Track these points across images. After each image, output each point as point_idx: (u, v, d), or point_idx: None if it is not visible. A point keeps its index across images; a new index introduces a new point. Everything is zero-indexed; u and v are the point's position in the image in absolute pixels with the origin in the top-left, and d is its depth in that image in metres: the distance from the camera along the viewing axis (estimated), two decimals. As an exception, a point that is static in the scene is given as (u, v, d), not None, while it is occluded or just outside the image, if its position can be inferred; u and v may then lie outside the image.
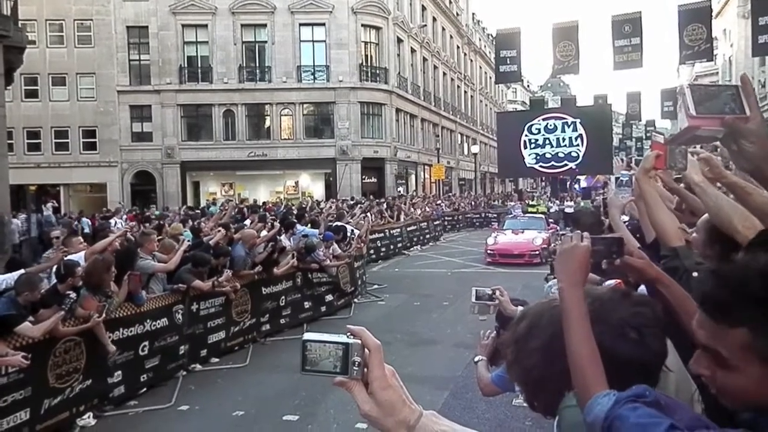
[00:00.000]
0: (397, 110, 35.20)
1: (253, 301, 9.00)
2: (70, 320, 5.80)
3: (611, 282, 1.84)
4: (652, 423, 1.09)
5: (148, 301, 7.03)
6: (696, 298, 1.11)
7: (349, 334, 0.99)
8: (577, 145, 33.32)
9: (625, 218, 3.02)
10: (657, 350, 1.44)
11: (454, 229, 29.02)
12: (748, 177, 2.01)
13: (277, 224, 10.34)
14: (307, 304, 10.45)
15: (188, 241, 8.30)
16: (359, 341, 0.98)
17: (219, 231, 8.81)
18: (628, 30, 24.23)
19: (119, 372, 6.49)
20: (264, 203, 24.24)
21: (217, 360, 8.11)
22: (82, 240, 7.67)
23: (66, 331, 5.72)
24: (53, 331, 5.54)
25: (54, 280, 6.05)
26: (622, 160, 3.97)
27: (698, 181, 2.01)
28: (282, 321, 9.70)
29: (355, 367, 0.97)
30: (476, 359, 2.67)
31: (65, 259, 6.28)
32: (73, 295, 5.76)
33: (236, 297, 8.53)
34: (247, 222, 11.38)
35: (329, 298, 11.13)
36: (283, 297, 9.80)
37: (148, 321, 6.97)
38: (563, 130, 33.65)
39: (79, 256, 6.59)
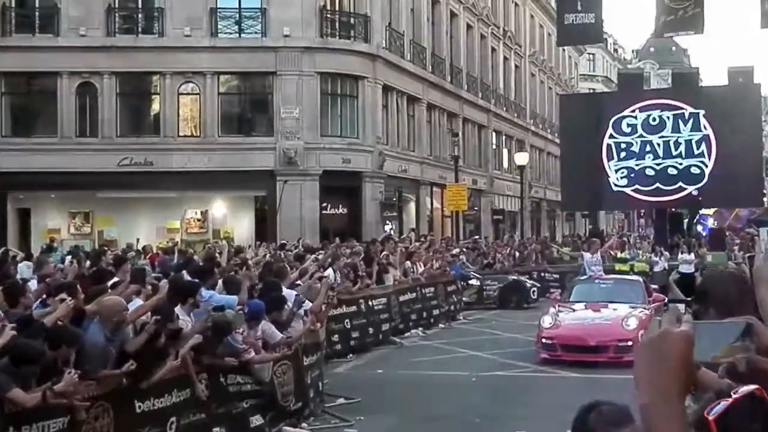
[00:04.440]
0: (386, 89, 35.51)
1: (119, 424, 8.87)
2: None
3: (747, 388, 1.91)
4: None
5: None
6: None
7: None
8: (701, 154, 34.08)
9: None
10: None
11: (484, 300, 28.97)
12: None
13: (164, 285, 10.27)
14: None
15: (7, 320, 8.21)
16: None
17: (60, 300, 8.74)
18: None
19: None
20: (144, 249, 24.14)
21: None
22: None
23: None
24: None
25: None
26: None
27: None
28: (171, 462, 9.55)
29: None
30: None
31: None
32: None
33: (89, 416, 8.40)
34: (114, 282, 11.27)
35: (257, 420, 11.01)
36: (174, 418, 9.66)
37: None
38: (676, 129, 34.43)
39: None
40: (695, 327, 1.60)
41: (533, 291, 28.41)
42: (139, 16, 32.90)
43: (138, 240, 27.83)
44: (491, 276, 30.05)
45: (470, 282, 28.53)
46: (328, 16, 33.49)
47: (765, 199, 39.01)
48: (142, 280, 10.78)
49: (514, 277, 29.46)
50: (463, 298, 27.83)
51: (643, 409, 1.53)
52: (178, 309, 10.36)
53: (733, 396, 1.97)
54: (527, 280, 29.61)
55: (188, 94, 32.80)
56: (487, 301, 28.39)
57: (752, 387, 1.89)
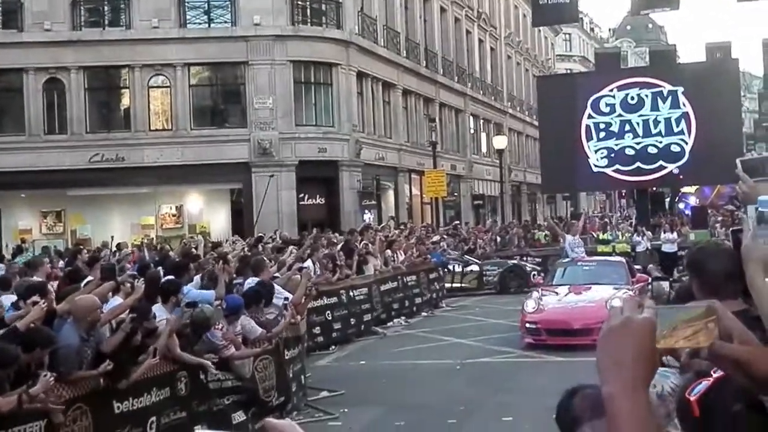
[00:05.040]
0: (360, 75, 35.50)
1: (98, 426, 8.83)
2: None
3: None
4: None
5: None
6: None
7: None
8: (681, 131, 34.29)
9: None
10: None
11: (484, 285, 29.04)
12: None
13: (140, 284, 10.22)
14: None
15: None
16: None
17: (32, 303, 8.67)
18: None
19: None
20: (118, 246, 24.03)
21: None
22: None
23: None
24: None
25: None
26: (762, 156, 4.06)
27: None
28: (152, 462, 9.53)
29: None
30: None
31: None
32: None
33: (66, 419, 8.36)
34: (87, 280, 11.21)
35: (239, 417, 11.00)
36: (154, 418, 9.63)
37: None
38: (655, 107, 34.66)
39: None
40: (658, 313, 1.61)
41: (533, 275, 28.48)
42: (105, 8, 32.63)
43: (113, 237, 27.75)
44: (491, 261, 30.31)
45: (470, 268, 29.00)
46: (299, 3, 33.36)
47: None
48: (113, 277, 10.70)
49: (514, 262, 29.65)
50: (463, 284, 28.45)
51: (607, 398, 1.53)
52: (159, 308, 10.32)
53: (714, 375, 1.97)
54: (527, 264, 29.74)
55: (158, 87, 32.68)
56: (487, 286, 28.52)
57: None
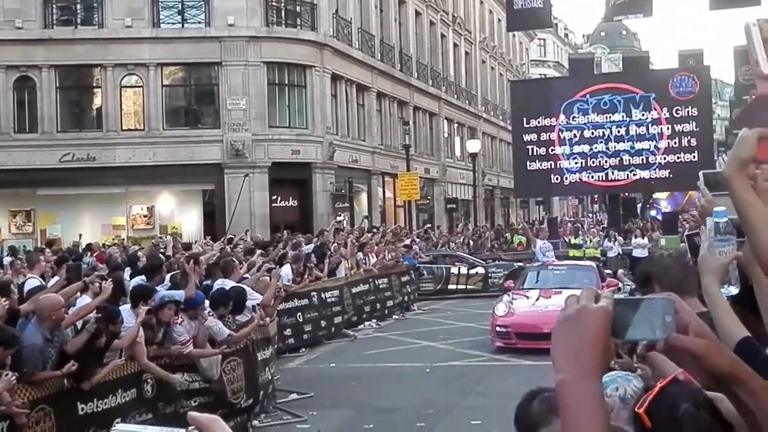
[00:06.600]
0: (335, 78, 35.52)
1: (61, 428, 8.76)
2: None
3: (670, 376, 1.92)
4: None
5: None
6: None
7: (191, 429, 1.29)
8: (653, 137, 34.56)
9: (733, 291, 3.11)
10: None
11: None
12: None
13: (107, 285, 10.14)
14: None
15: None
16: None
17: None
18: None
19: None
20: (89, 246, 23.87)
21: None
22: None
23: None
24: None
25: None
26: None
27: None
28: (116, 464, 9.43)
29: None
30: None
31: None
32: None
33: (29, 420, 8.29)
34: (54, 280, 11.13)
35: (206, 419, 10.94)
36: (119, 420, 9.56)
37: None
38: (628, 113, 34.90)
39: None
40: (614, 303, 1.61)
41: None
42: (78, 6, 32.44)
43: (81, 236, 27.63)
44: (496, 263, 30.48)
45: (476, 270, 29.22)
46: (274, 4, 33.34)
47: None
48: (79, 277, 10.62)
49: (520, 264, 29.63)
50: (468, 286, 28.77)
51: (559, 386, 1.55)
52: (128, 311, 10.21)
53: (659, 386, 1.98)
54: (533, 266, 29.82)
55: (131, 86, 32.54)
56: (492, 288, 28.33)
57: (676, 373, 1.91)
